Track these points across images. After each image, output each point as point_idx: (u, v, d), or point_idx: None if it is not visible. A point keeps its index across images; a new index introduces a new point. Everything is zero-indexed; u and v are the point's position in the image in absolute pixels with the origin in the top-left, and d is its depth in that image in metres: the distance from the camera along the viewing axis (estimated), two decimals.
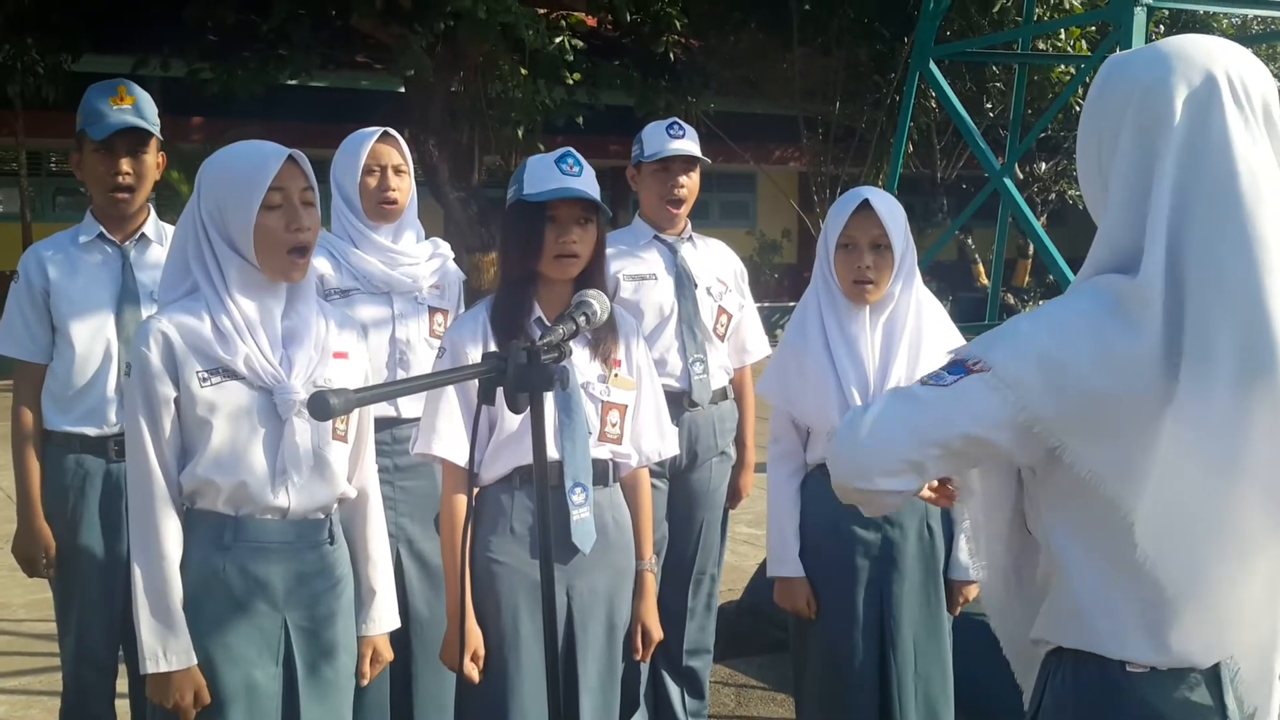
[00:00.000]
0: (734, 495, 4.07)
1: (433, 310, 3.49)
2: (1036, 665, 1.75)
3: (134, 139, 3.17)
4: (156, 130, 3.22)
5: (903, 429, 1.61)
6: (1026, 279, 21.11)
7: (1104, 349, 1.51)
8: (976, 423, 1.58)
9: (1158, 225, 1.52)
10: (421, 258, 3.51)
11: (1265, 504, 1.50)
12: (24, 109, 14.43)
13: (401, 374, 3.37)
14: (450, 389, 2.70)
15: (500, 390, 1.80)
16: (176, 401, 2.38)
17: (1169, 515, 1.50)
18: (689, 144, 3.85)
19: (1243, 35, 17.29)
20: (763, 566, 4.87)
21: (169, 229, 3.22)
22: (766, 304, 16.35)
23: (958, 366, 1.60)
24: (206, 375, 2.38)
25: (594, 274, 2.76)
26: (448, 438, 2.71)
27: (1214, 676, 1.58)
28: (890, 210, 2.97)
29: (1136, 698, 1.57)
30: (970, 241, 20.02)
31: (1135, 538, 1.51)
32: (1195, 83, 1.55)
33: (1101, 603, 1.59)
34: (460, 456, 2.70)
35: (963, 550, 3.08)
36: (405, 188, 3.47)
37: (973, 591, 3.08)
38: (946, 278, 19.91)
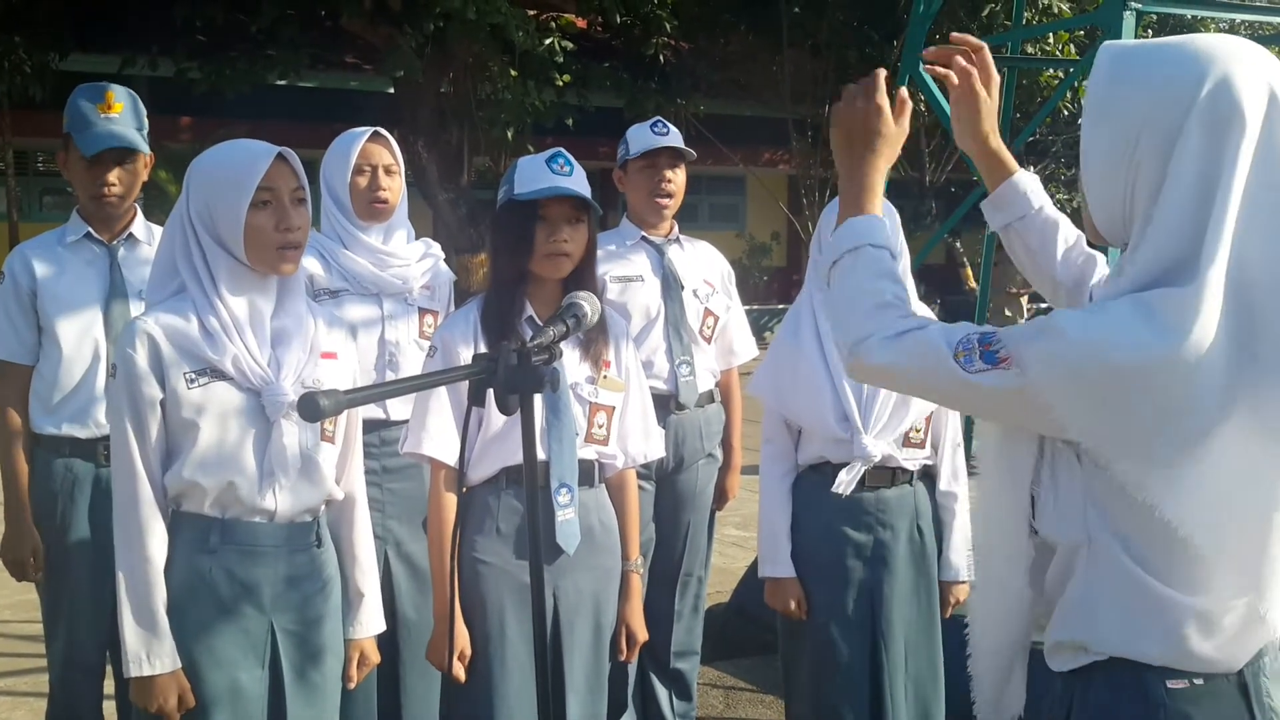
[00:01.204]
0: (721, 497, 4.07)
1: (423, 311, 3.48)
2: (1016, 675, 1.74)
3: (122, 152, 3.16)
4: (145, 139, 3.21)
5: (913, 367, 1.64)
6: None
7: (1142, 354, 1.49)
8: (992, 411, 1.62)
9: (1221, 230, 1.50)
10: (412, 258, 3.49)
11: None
12: (11, 108, 14.36)
13: (391, 375, 3.36)
14: (441, 388, 2.70)
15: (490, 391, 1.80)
16: (162, 403, 2.36)
17: (1231, 529, 1.51)
18: (673, 139, 3.86)
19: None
20: (752, 568, 4.87)
21: (157, 229, 3.21)
22: (756, 307, 16.37)
23: (991, 353, 1.58)
24: (194, 376, 2.36)
25: (585, 273, 2.76)
26: (438, 437, 2.70)
27: (1243, 687, 1.59)
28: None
29: (1178, 714, 1.57)
30: (959, 245, 20.05)
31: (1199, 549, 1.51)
32: (1258, 85, 1.53)
33: (1148, 604, 1.58)
34: (449, 456, 2.70)
35: (954, 551, 3.09)
36: (396, 188, 3.46)
37: (964, 593, 3.08)
38: (935, 281, 19.93)
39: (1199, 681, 1.58)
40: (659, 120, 3.96)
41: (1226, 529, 1.51)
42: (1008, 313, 12.37)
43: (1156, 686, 1.58)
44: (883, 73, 1.91)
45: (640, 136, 3.88)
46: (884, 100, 1.86)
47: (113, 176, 3.16)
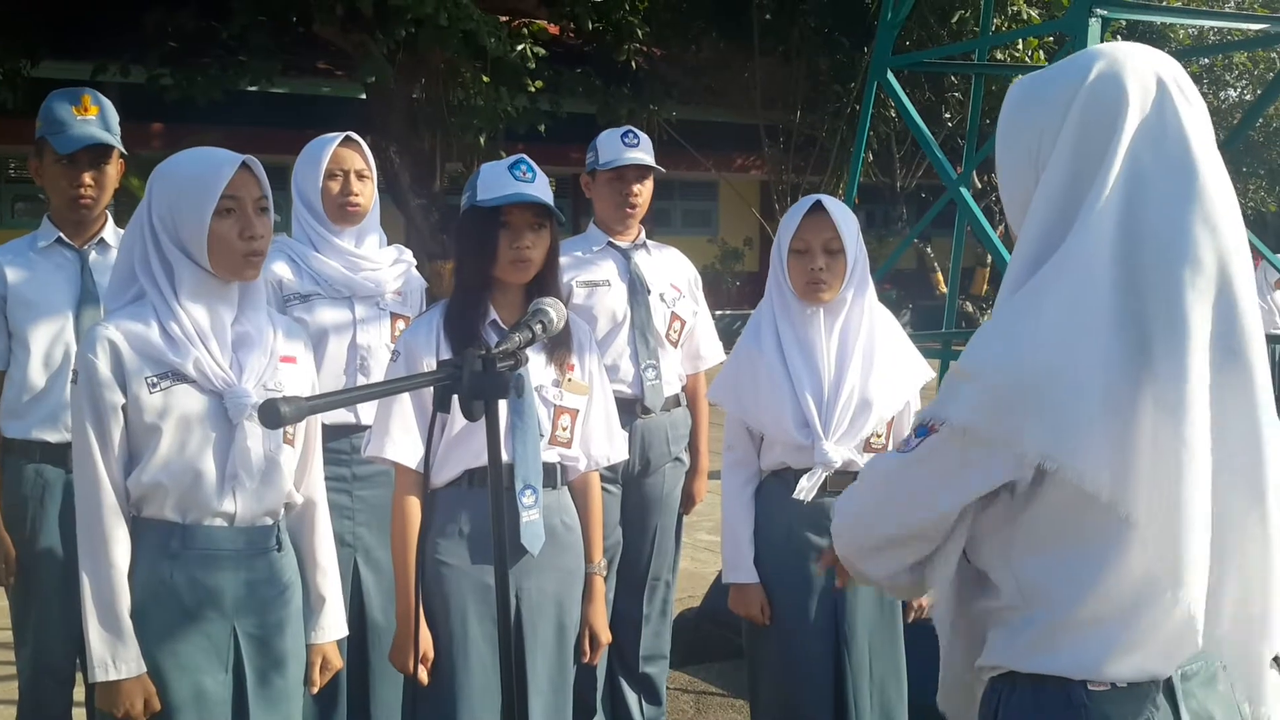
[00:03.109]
0: (687, 501, 4.09)
1: (395, 316, 3.48)
2: (970, 691, 1.75)
3: (97, 152, 3.17)
4: (119, 142, 3.22)
5: (878, 510, 1.67)
6: (985, 287, 21.26)
7: (1045, 334, 1.51)
8: (948, 481, 1.60)
9: (1106, 206, 1.51)
10: (385, 263, 3.50)
11: (1241, 486, 1.52)
12: None
13: (362, 379, 3.36)
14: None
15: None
16: (124, 408, 2.37)
17: (1157, 506, 1.49)
18: (643, 153, 3.87)
19: (1199, 46, 17.54)
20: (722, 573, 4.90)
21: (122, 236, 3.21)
22: (729, 311, 16.39)
23: (922, 429, 1.61)
24: (156, 380, 2.36)
25: (548, 279, 2.79)
26: (400, 441, 2.72)
27: (1170, 690, 1.59)
28: (843, 214, 3.01)
29: (1100, 716, 1.58)
30: (929, 250, 20.16)
31: (1135, 535, 1.51)
32: (1145, 76, 1.57)
33: (1071, 626, 1.59)
34: (411, 459, 2.72)
35: None
36: (368, 192, 3.47)
37: (927, 599, 3.11)
38: (906, 286, 20.04)
39: (1122, 685, 1.58)
40: (630, 130, 3.95)
41: (1156, 508, 1.50)
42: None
43: (1077, 690, 1.59)
44: None
45: (610, 146, 3.88)
46: None
47: (88, 178, 3.16)
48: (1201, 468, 1.49)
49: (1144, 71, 1.57)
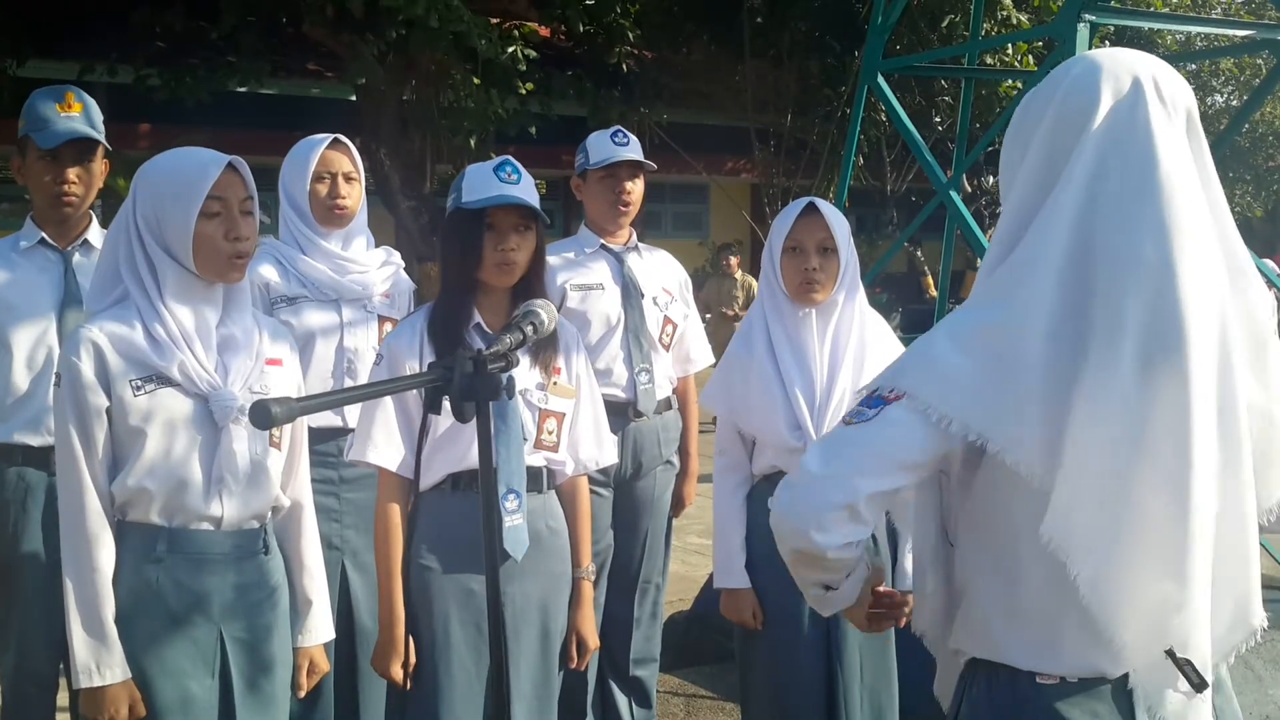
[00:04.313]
0: (678, 504, 4.08)
1: (382, 319, 3.47)
2: (956, 677, 1.77)
3: (81, 148, 3.14)
4: (104, 138, 3.19)
5: (834, 476, 1.62)
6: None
7: (994, 322, 1.57)
8: (904, 449, 1.59)
9: (1066, 200, 1.56)
10: (372, 265, 3.49)
11: (1165, 486, 1.52)
12: None
13: (350, 382, 3.35)
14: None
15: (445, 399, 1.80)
16: (108, 411, 2.35)
17: (1075, 495, 1.51)
18: (634, 151, 3.87)
19: (1186, 52, 17.60)
20: (713, 576, 4.89)
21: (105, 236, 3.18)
22: None
23: (876, 399, 1.62)
24: (140, 383, 2.34)
25: (533, 281, 2.78)
26: (384, 445, 2.71)
27: (1124, 688, 1.59)
28: (835, 216, 3.02)
29: (1046, 708, 1.59)
30: (919, 253, 20.19)
31: (1043, 523, 1.52)
32: (1121, 78, 1.61)
33: (1007, 614, 1.61)
34: (395, 463, 2.71)
35: (909, 560, 3.11)
36: (356, 195, 3.46)
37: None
38: (896, 289, 20.05)
39: (1073, 680, 1.59)
40: (619, 130, 3.95)
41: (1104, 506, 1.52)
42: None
43: (1025, 680, 1.61)
44: None
45: (600, 146, 3.87)
46: None
47: (73, 174, 3.13)
48: (1125, 466, 1.51)
49: (1121, 74, 1.61)
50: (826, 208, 3.02)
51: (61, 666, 3.16)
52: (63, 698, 3.22)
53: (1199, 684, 1.55)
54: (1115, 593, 1.52)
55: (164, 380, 2.36)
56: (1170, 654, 1.54)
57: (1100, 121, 1.58)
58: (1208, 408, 1.53)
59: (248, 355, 2.45)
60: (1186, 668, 1.55)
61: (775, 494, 1.68)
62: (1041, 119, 1.64)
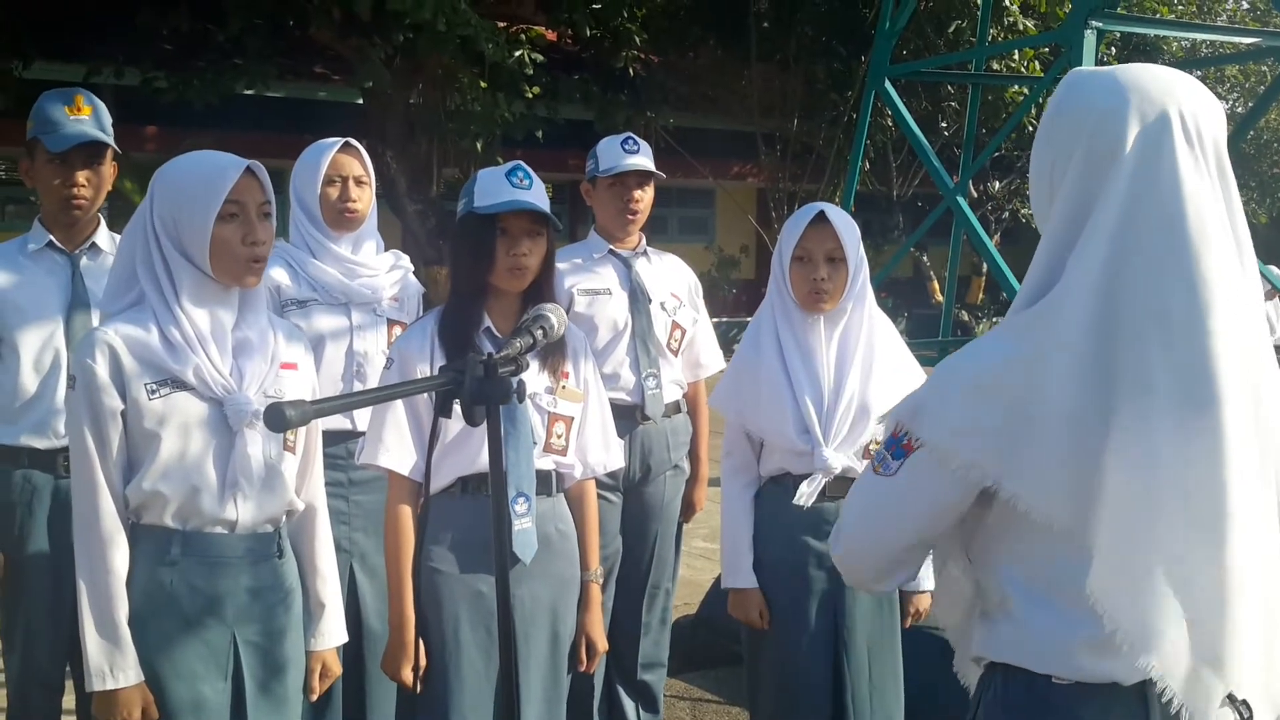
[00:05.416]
0: (688, 509, 4.08)
1: (391, 323, 3.47)
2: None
3: (91, 151, 3.13)
4: (113, 141, 3.19)
5: (875, 538, 1.72)
6: (980, 296, 21.30)
7: (1018, 361, 1.56)
8: (931, 502, 1.65)
9: (1093, 249, 1.55)
10: (382, 269, 3.50)
11: (1202, 543, 1.53)
12: None
13: (359, 386, 3.35)
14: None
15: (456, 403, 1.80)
16: (123, 414, 2.34)
17: (1116, 552, 1.52)
18: (643, 159, 3.87)
19: (1191, 59, 17.58)
20: (719, 580, 4.89)
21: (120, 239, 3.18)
22: (725, 319, 16.40)
23: (898, 448, 1.65)
24: (155, 387, 2.34)
25: (544, 286, 2.79)
26: (394, 448, 2.71)
27: (1140, 693, 1.59)
28: (845, 224, 3.01)
29: (1062, 709, 1.59)
30: (925, 259, 20.19)
31: (1090, 576, 1.53)
32: (1150, 117, 1.58)
33: (1032, 622, 1.62)
34: (405, 466, 2.72)
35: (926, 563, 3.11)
36: (366, 198, 3.46)
37: (925, 603, 3.11)
38: (902, 294, 20.07)
39: (1088, 684, 1.59)
40: (629, 136, 3.95)
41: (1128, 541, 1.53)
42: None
43: (1040, 682, 1.62)
44: None
45: (610, 153, 3.87)
46: None
47: (81, 177, 3.13)
48: (1164, 523, 1.51)
49: (1147, 111, 1.58)
50: (836, 215, 3.01)
51: (68, 669, 3.16)
52: (69, 700, 3.22)
53: None
54: (1156, 649, 1.54)
55: (179, 384, 2.35)
56: (1230, 698, 1.57)
57: (1127, 168, 1.56)
58: (1244, 460, 1.54)
59: (263, 359, 2.45)
60: (1242, 708, 1.58)
61: (830, 543, 1.80)
62: (1070, 157, 1.61)
